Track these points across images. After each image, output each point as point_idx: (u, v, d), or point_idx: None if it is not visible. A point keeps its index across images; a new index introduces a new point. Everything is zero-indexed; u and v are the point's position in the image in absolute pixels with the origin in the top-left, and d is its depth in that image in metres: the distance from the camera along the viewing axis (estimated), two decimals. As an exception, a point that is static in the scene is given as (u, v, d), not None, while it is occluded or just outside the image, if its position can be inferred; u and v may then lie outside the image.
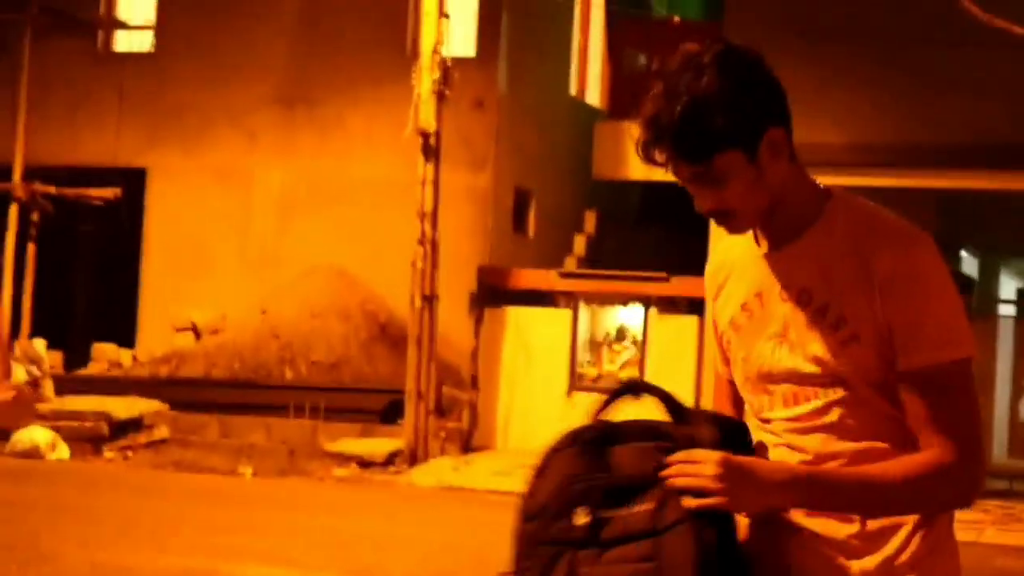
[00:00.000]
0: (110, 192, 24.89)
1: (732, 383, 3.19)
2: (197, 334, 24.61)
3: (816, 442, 2.93)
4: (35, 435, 18.64)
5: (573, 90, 27.66)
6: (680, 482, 2.78)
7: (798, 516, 2.93)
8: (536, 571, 2.87)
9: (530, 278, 22.33)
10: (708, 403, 3.37)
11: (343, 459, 18.56)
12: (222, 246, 25.61)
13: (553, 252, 24.44)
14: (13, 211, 24.80)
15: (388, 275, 22.34)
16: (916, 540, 2.94)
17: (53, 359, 23.50)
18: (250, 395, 21.43)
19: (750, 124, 2.85)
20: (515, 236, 24.94)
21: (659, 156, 2.88)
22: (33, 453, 18.34)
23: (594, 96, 28.49)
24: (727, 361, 3.19)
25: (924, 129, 20.84)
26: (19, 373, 20.24)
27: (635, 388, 2.97)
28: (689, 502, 2.76)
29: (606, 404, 2.96)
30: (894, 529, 2.93)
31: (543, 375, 21.37)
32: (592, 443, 2.91)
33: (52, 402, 20.42)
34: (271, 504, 15.30)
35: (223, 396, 21.33)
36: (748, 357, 3.06)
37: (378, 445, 18.86)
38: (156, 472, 17.77)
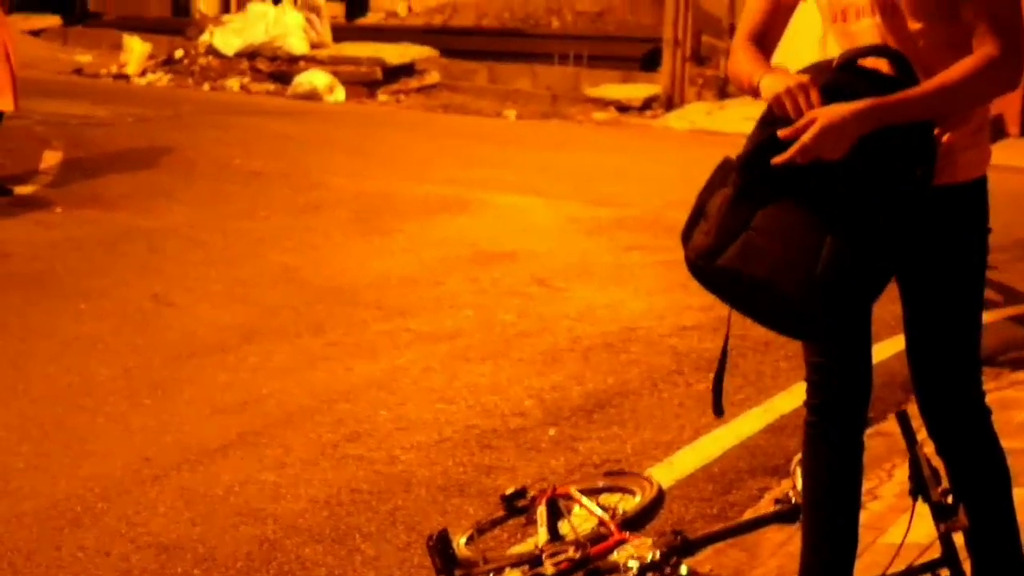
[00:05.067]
0: None
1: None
2: (470, -15, 25.36)
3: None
4: (314, 79, 19.71)
5: None
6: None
7: None
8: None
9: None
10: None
11: (603, 104, 19.26)
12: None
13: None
14: None
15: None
16: (953, 132, 3.67)
17: (334, 9, 24.51)
18: (518, 43, 22.15)
19: None
20: None
21: None
22: (312, 95, 19.43)
23: None
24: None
25: None
26: (298, 19, 21.25)
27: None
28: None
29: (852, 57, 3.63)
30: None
31: (801, 25, 21.58)
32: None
33: (330, 48, 21.51)
34: (529, 143, 16.17)
35: (492, 44, 22.10)
36: None
37: (636, 91, 19.49)
38: (425, 114, 18.70)
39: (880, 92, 3.50)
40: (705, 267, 3.64)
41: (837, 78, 3.56)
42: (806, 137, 3.44)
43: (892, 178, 3.50)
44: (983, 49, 3.54)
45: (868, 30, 3.66)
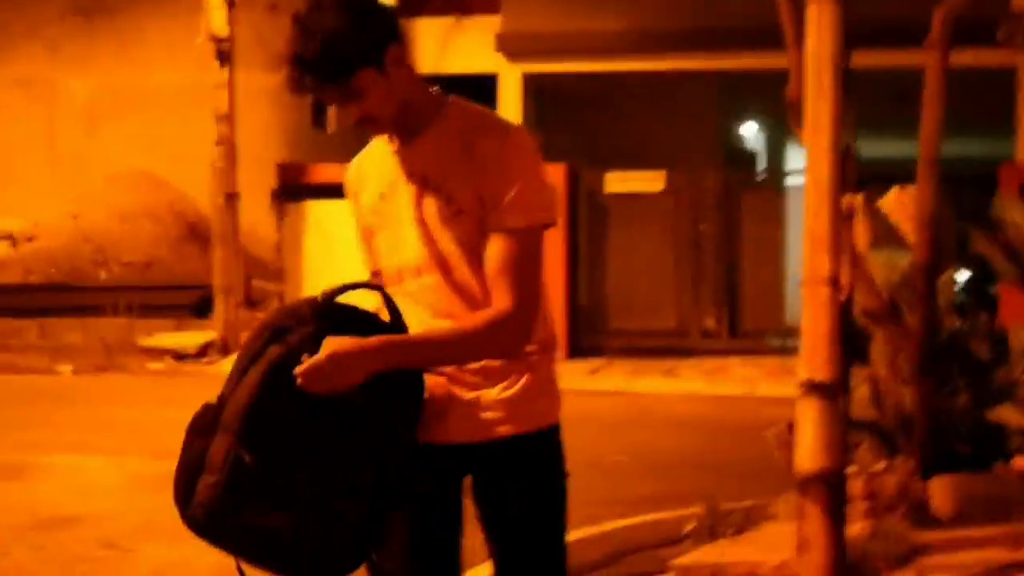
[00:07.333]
0: (-85, 107, 25.12)
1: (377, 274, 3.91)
2: (13, 242, 25.06)
3: (439, 303, 3.69)
4: None
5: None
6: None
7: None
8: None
9: (326, 172, 22.80)
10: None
11: (158, 353, 19.30)
12: (30, 156, 26.04)
13: (356, 147, 25.01)
14: None
15: (195, 177, 22.88)
16: (524, 380, 3.73)
17: None
18: (66, 297, 22.01)
19: (374, 45, 3.59)
20: (316, 133, 25.61)
21: (307, 84, 3.59)
22: None
23: (392, -5, 28.99)
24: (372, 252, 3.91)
25: (703, 12, 21.67)
26: None
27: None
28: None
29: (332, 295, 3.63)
30: (508, 371, 3.72)
31: (345, 264, 21.95)
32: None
33: None
34: (84, 399, 15.98)
35: (41, 300, 21.93)
36: (387, 237, 3.80)
37: (191, 338, 19.62)
38: (-26, 376, 18.29)
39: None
40: (215, 524, 3.48)
41: (319, 327, 3.56)
42: (314, 359, 3.44)
43: (380, 431, 3.55)
44: (495, 304, 3.57)
45: (428, 287, 3.71)
